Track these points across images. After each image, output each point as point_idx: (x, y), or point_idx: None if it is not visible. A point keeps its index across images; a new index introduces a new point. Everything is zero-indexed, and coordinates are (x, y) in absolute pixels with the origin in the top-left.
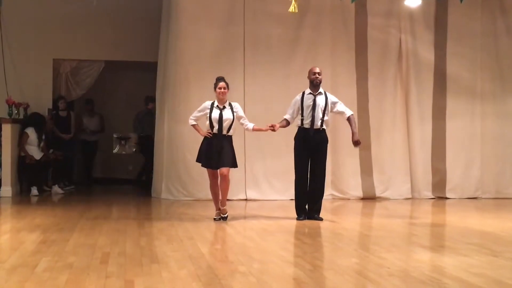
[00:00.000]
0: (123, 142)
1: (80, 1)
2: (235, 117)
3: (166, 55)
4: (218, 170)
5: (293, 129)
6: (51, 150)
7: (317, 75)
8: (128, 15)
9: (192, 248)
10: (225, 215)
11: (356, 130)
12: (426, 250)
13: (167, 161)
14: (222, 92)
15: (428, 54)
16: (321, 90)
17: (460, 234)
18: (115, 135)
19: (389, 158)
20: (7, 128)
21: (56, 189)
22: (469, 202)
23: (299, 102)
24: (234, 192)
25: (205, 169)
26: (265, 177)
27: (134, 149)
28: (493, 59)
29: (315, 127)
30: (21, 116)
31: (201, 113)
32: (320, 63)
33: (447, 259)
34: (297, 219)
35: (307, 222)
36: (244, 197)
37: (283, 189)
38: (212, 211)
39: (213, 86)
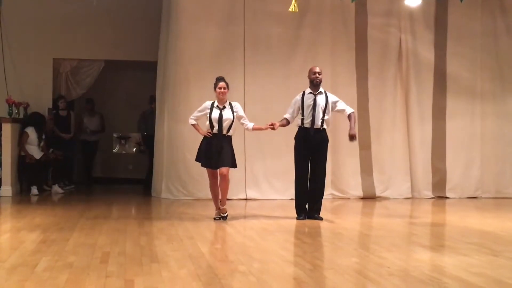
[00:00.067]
0: (123, 141)
1: (80, 1)
2: (235, 117)
3: (166, 55)
4: (218, 170)
5: (293, 129)
6: (51, 150)
7: (317, 75)
8: (128, 14)
9: (192, 247)
10: (225, 215)
11: (353, 125)
12: (426, 249)
13: (167, 161)
14: (222, 92)
15: (428, 54)
16: (321, 89)
17: (460, 233)
18: (115, 135)
19: (389, 158)
20: (7, 128)
21: (56, 188)
22: (469, 202)
23: (300, 102)
24: (234, 191)
25: (205, 168)
26: (265, 176)
27: (135, 149)
28: (493, 59)
29: (315, 126)
30: (21, 116)
31: (201, 113)
32: (320, 62)
33: (447, 259)
34: (297, 218)
35: (307, 222)
36: (244, 197)
37: (283, 189)
38: (212, 211)
39: (213, 86)
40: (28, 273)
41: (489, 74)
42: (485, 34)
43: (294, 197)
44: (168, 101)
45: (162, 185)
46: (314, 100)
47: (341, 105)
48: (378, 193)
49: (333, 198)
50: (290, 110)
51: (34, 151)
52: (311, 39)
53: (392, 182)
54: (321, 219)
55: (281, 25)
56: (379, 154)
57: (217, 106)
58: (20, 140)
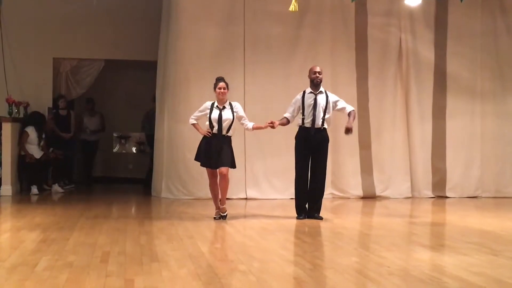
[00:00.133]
0: (123, 141)
1: (80, 1)
2: (235, 117)
3: (166, 54)
4: (218, 170)
5: (292, 128)
6: (51, 149)
7: (317, 74)
8: (128, 14)
9: (192, 247)
10: (225, 214)
11: (352, 120)
12: (426, 249)
13: (167, 160)
14: (222, 92)
15: (428, 54)
16: (321, 89)
17: (460, 233)
18: (115, 134)
19: (389, 157)
20: (7, 127)
21: (56, 188)
22: (469, 201)
23: (300, 101)
24: (234, 191)
25: (205, 168)
26: (265, 176)
27: (135, 148)
28: (493, 59)
29: (316, 126)
30: (21, 115)
31: (202, 113)
32: (320, 62)
33: (447, 258)
34: (297, 218)
35: (307, 221)
36: (244, 196)
37: (283, 188)
38: (212, 210)
39: (213, 86)
40: (28, 272)
41: (489, 73)
42: (485, 34)
43: (294, 197)
44: (168, 100)
45: (162, 184)
46: (315, 100)
47: (341, 104)
48: (378, 193)
49: (333, 197)
50: (290, 109)
51: (34, 150)
52: (311, 38)
53: (392, 181)
54: (321, 218)
55: (281, 25)
56: (379, 153)
57: (217, 106)
58: (20, 139)
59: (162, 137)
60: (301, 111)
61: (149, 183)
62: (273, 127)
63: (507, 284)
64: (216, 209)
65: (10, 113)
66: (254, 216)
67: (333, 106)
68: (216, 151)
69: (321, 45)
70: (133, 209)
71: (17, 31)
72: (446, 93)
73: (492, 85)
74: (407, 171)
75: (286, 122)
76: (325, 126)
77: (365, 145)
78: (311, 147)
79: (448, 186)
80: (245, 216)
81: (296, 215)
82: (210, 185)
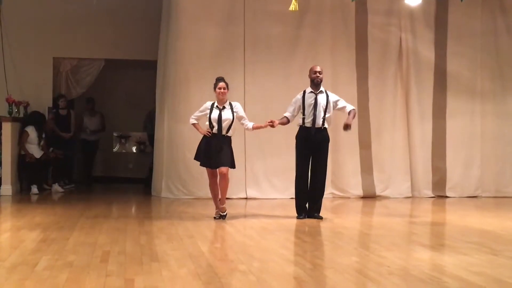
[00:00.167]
0: (123, 140)
1: (80, 0)
2: (235, 117)
3: (166, 54)
4: (218, 169)
5: (292, 128)
6: (51, 149)
7: (318, 74)
8: (128, 14)
9: (192, 246)
10: (224, 214)
11: (351, 117)
12: (426, 248)
13: (167, 160)
14: (221, 92)
15: (428, 53)
16: (322, 88)
17: (460, 232)
18: (115, 134)
19: (389, 157)
20: (7, 127)
21: (56, 187)
22: (469, 201)
23: (300, 101)
24: (234, 190)
25: (205, 168)
26: (265, 175)
27: (135, 148)
28: (493, 58)
29: (316, 126)
30: (21, 115)
31: (202, 113)
32: (320, 62)
33: (447, 258)
34: (297, 217)
35: (307, 221)
36: (244, 196)
37: (283, 188)
38: (212, 210)
39: (213, 86)
40: (28, 272)
41: (489, 73)
42: (485, 33)
43: (294, 196)
44: (168, 100)
45: (162, 184)
46: (315, 100)
47: (342, 103)
48: (378, 192)
49: (333, 197)
50: (291, 109)
51: (34, 150)
52: (311, 38)
53: (392, 181)
54: (321, 218)
55: (281, 25)
56: (379, 153)
57: (217, 106)
58: (20, 139)
59: (162, 137)
60: (301, 110)
61: (149, 182)
62: (272, 126)
63: (507, 283)
64: (216, 209)
65: (10, 113)
66: (254, 215)
67: (333, 105)
68: (216, 151)
69: (321, 44)
70: (133, 209)
71: (17, 31)
72: (446, 92)
73: (492, 84)
74: (407, 171)
75: (286, 121)
76: (326, 125)
77: (365, 145)
78: (312, 147)
79: (448, 185)
80: (245, 216)
81: (296, 215)
82: (210, 185)
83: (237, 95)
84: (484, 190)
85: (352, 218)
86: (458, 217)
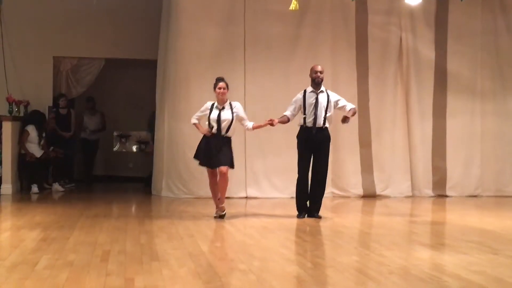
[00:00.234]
0: (123, 140)
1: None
2: (234, 117)
3: (166, 54)
4: (217, 169)
5: (292, 127)
6: (51, 148)
7: (319, 74)
8: (128, 13)
9: (192, 246)
10: (223, 213)
11: (351, 113)
12: (426, 248)
13: (167, 159)
14: (221, 92)
15: (428, 52)
16: (322, 88)
17: (460, 232)
18: (115, 133)
19: (389, 156)
20: (7, 126)
21: (56, 187)
22: (469, 200)
23: (301, 100)
24: (235, 190)
25: (205, 167)
26: (265, 175)
27: (135, 147)
28: (493, 58)
29: (317, 125)
30: (22, 114)
31: (203, 114)
32: (321, 61)
33: (447, 257)
34: (298, 217)
35: (308, 220)
36: (245, 195)
37: (283, 187)
38: (212, 209)
39: (213, 85)
40: (29, 271)
41: (489, 72)
42: (485, 33)
43: (294, 196)
44: (168, 100)
45: (163, 183)
46: (316, 99)
47: (342, 102)
48: (378, 192)
49: (334, 196)
50: (291, 108)
51: (35, 149)
52: (311, 38)
53: (393, 180)
54: (319, 217)
55: (282, 24)
56: (379, 152)
57: (217, 106)
58: (21, 138)
59: (163, 136)
60: (302, 110)
61: (150, 182)
62: (272, 124)
63: (507, 283)
64: (216, 208)
65: (10, 112)
66: (254, 215)
67: (334, 105)
68: (215, 151)
69: (322, 44)
70: (133, 208)
71: (18, 30)
72: (447, 92)
73: (492, 84)
74: (407, 170)
75: (286, 120)
76: (327, 125)
77: (365, 144)
78: (313, 147)
79: (448, 185)
80: (245, 215)
81: (296, 214)
82: (210, 184)
83: (237, 95)
84: (484, 190)
85: (353, 217)
86: (458, 216)
